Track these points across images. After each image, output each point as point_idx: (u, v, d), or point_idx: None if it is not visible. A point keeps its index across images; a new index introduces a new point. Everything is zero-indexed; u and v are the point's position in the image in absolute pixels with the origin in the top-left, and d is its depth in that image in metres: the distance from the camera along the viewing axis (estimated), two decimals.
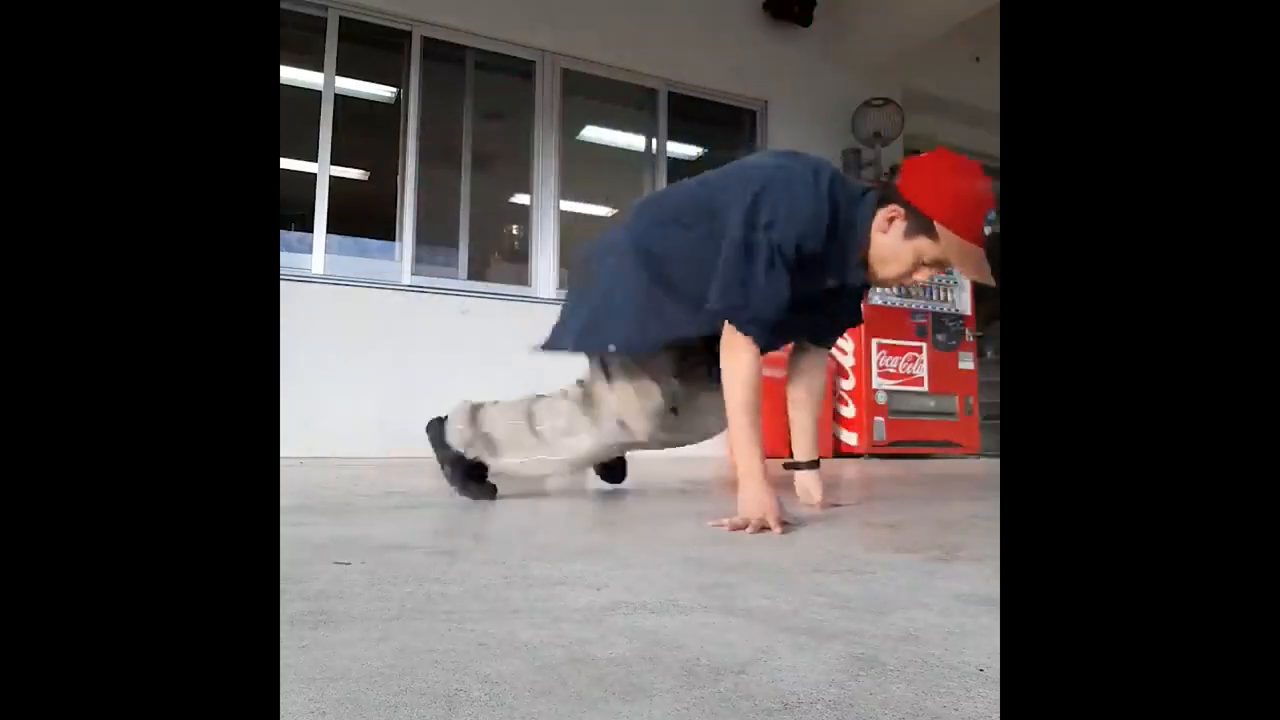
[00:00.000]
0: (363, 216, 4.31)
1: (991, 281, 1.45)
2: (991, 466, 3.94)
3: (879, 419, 4.68)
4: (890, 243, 1.50)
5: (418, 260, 4.19)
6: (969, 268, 1.45)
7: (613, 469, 2.21)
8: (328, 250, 4.00)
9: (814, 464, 1.85)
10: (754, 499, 1.42)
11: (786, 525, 1.38)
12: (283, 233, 4.01)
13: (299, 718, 0.49)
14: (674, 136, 5.11)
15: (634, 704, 0.52)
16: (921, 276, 1.53)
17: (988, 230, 1.41)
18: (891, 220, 1.49)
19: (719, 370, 1.55)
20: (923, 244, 1.47)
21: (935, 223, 1.44)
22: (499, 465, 1.84)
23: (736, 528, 1.37)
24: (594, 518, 1.61)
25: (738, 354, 1.50)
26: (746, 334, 1.49)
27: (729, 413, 1.52)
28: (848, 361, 4.82)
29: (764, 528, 1.36)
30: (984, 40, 5.51)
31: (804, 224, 1.47)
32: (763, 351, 1.52)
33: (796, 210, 1.47)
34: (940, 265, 1.50)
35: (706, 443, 1.96)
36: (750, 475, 1.46)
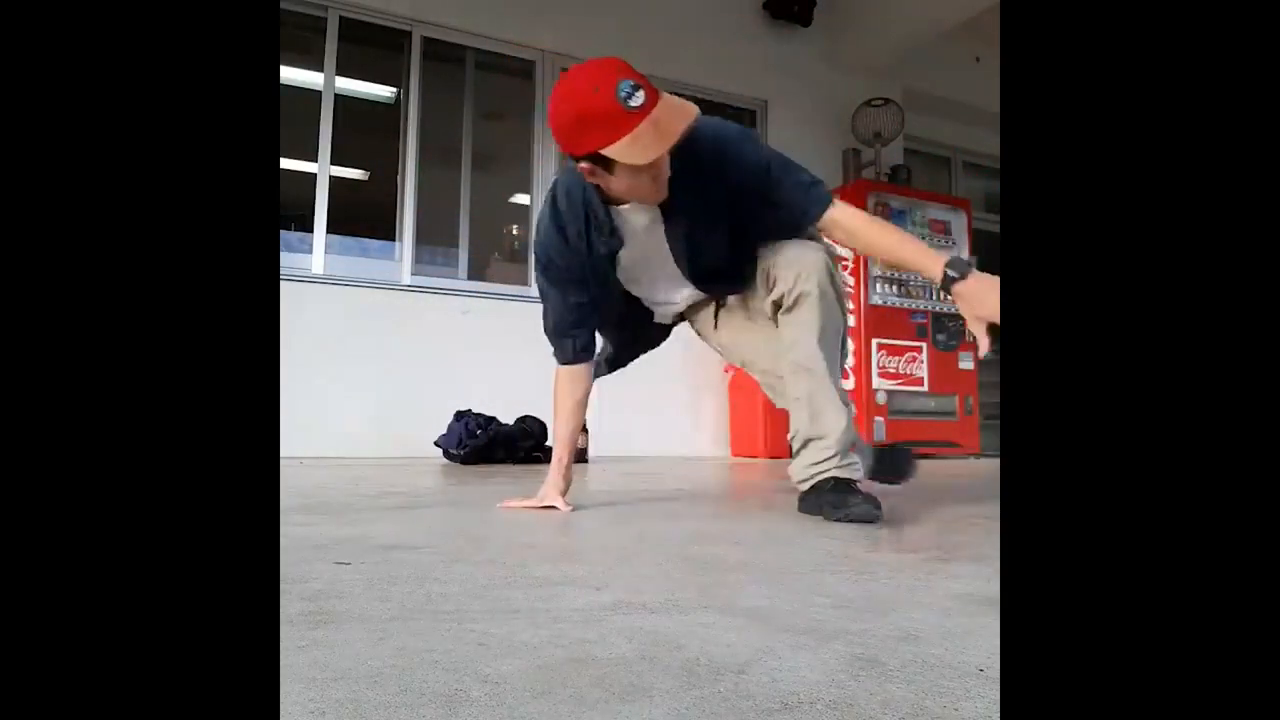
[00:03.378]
0: (363, 216, 4.31)
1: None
2: (991, 466, 3.94)
3: (879, 419, 4.68)
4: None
5: (418, 260, 4.19)
6: (642, 148, 1.34)
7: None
8: (328, 250, 4.00)
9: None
10: (546, 482, 1.72)
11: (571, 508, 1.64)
12: (283, 233, 4.01)
13: (299, 718, 0.49)
14: None
15: (634, 704, 0.52)
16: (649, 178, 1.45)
17: (625, 94, 1.30)
18: (591, 173, 1.46)
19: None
20: (606, 177, 1.44)
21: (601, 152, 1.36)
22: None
23: (528, 507, 1.66)
24: (595, 518, 1.61)
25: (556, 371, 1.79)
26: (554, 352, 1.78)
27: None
28: (847, 361, 4.82)
29: (549, 506, 1.65)
30: (984, 40, 5.52)
31: (539, 248, 1.69)
32: (567, 363, 1.75)
33: (539, 242, 1.71)
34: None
35: (704, 443, 1.95)
36: (553, 463, 1.76)
